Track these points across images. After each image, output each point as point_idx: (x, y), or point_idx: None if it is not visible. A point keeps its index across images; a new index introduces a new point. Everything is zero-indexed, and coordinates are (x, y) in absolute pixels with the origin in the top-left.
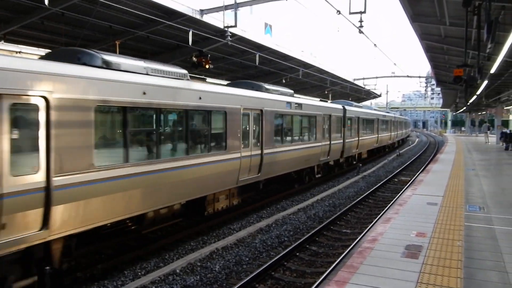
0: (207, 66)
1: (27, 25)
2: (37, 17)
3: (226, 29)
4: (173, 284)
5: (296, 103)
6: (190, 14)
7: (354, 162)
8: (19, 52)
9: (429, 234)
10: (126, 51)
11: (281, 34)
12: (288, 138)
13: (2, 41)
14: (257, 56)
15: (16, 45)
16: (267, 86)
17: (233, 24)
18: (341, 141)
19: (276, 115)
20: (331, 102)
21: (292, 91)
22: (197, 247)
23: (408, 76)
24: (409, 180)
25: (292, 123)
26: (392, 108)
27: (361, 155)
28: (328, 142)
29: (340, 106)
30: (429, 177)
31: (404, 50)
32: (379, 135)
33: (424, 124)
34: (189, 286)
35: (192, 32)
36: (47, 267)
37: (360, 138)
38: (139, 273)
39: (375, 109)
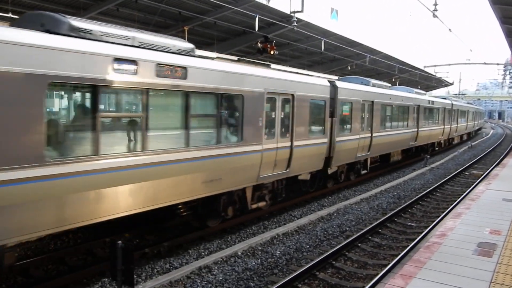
0: (272, 52)
1: (103, 12)
2: (112, 4)
3: (292, 14)
4: (235, 265)
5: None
6: None
7: (364, 172)
8: None
9: (505, 232)
10: (193, 37)
11: (347, 19)
12: (136, 141)
13: None
14: (323, 42)
15: None
16: (73, 21)
17: (299, 10)
18: (325, 140)
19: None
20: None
21: (191, 47)
22: (258, 232)
23: (485, 63)
24: (482, 174)
25: (145, 106)
26: (457, 95)
27: (390, 156)
28: (289, 144)
29: (324, 82)
30: (505, 172)
31: (482, 36)
32: (420, 129)
33: (500, 115)
34: (250, 269)
35: (258, 17)
36: (119, 241)
37: (374, 135)
38: (203, 253)
39: (417, 92)
